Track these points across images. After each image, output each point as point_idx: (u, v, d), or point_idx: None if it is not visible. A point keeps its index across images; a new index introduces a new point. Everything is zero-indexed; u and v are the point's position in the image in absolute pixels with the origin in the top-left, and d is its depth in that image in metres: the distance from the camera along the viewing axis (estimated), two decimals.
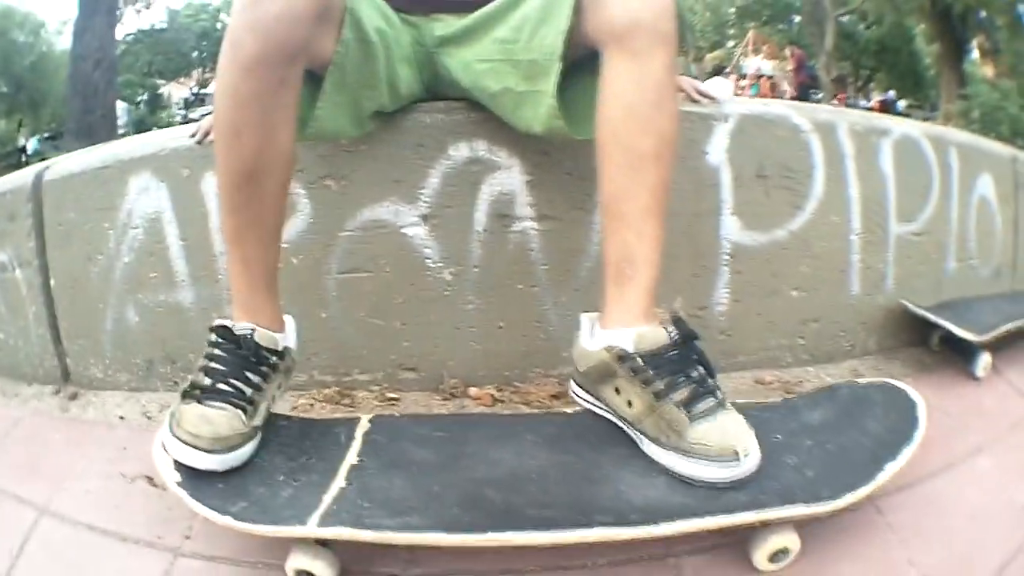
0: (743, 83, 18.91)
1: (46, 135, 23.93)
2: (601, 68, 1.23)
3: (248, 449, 1.18)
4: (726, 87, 1.34)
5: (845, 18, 20.51)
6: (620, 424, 1.23)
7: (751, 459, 1.10)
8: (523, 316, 1.62)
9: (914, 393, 1.28)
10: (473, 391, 1.61)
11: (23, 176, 1.92)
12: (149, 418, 1.72)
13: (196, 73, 42.64)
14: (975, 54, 17.77)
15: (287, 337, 1.34)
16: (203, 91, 45.13)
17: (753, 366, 1.73)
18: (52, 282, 1.85)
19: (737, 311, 1.69)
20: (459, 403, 1.59)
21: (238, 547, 1.23)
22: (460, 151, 1.56)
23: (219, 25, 40.92)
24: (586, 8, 1.22)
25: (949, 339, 1.75)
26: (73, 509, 1.43)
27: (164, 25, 37.70)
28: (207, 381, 1.19)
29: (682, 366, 1.16)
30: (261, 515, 1.08)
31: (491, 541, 1.01)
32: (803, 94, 17.88)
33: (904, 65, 24.23)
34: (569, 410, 1.35)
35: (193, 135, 1.65)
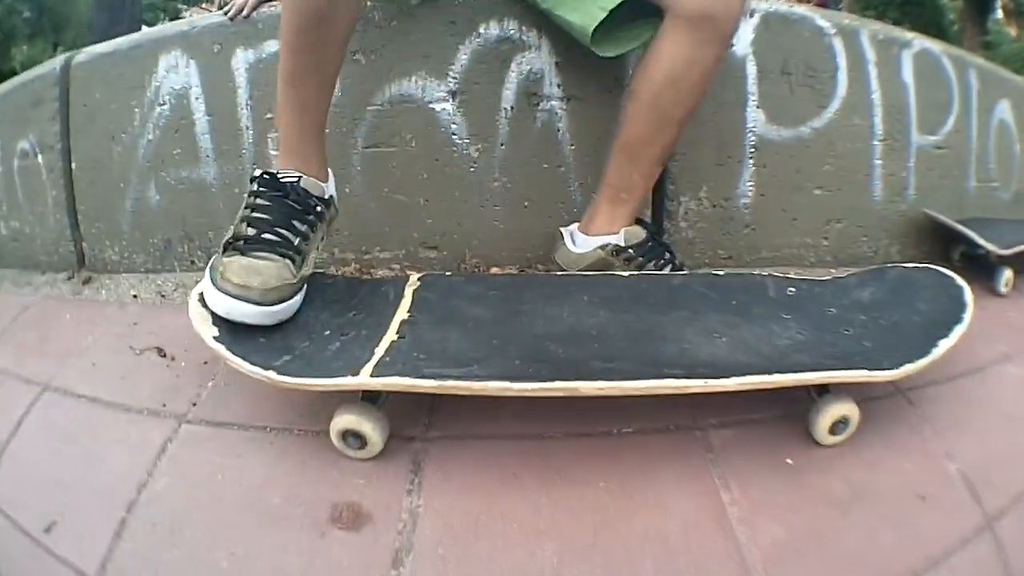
0: None
1: None
2: (660, 31, 1.28)
3: (297, 301, 1.13)
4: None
5: None
6: None
7: None
8: (548, 195, 1.55)
9: (960, 279, 1.28)
10: (495, 271, 1.54)
11: (51, 63, 1.83)
12: (163, 296, 1.65)
13: None
14: (999, 14, 17.52)
15: (330, 186, 1.27)
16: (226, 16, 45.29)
17: (776, 263, 1.67)
18: (73, 165, 1.78)
19: (761, 205, 1.62)
20: None
21: (248, 413, 1.18)
22: (491, 29, 1.49)
23: None
24: None
25: (970, 256, 1.73)
26: (76, 382, 1.37)
27: None
28: (251, 231, 1.13)
29: (659, 250, 1.40)
30: (308, 369, 1.01)
31: (559, 390, 0.97)
32: None
33: (928, 18, 23.79)
34: (624, 274, 1.33)
35: (226, 12, 1.57)
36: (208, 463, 1.10)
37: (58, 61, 1.80)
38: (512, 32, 1.49)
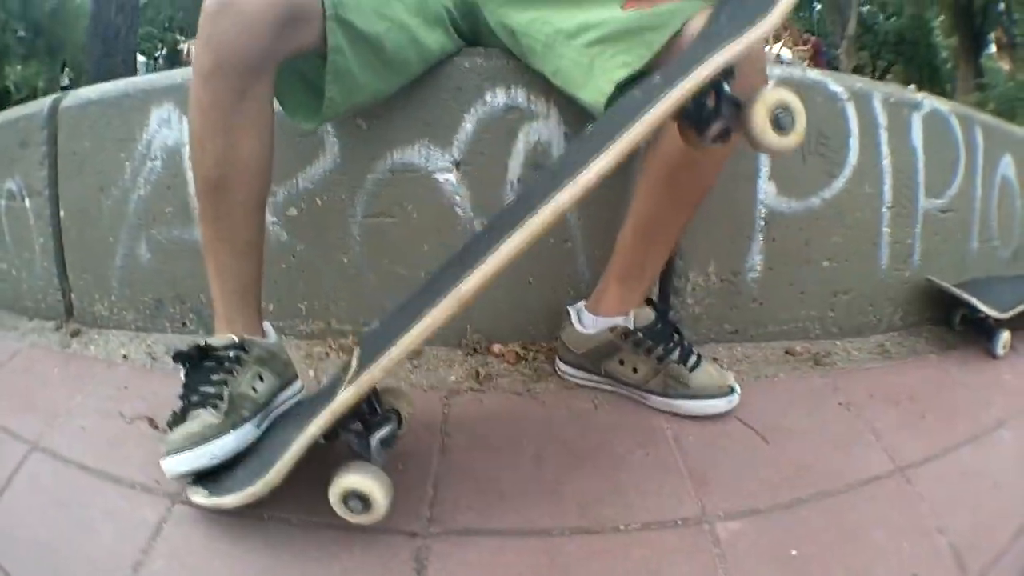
0: None
1: (66, 84, 23.72)
2: None
3: (231, 439, 1.11)
4: None
5: (865, 8, 20.41)
6: (620, 389, 1.34)
7: (737, 390, 1.29)
8: (554, 271, 1.45)
9: None
10: (496, 347, 1.46)
11: (39, 104, 1.75)
12: (154, 359, 1.57)
13: None
14: (992, 48, 17.66)
15: (269, 337, 1.27)
16: None
17: (783, 336, 1.59)
18: (62, 214, 1.69)
19: (769, 279, 1.54)
20: (481, 359, 1.44)
21: None
22: (497, 98, 1.40)
23: None
24: (684, 45, 1.15)
25: (970, 318, 1.68)
26: (65, 446, 1.31)
27: None
28: (181, 404, 1.15)
29: (669, 334, 1.31)
30: (274, 462, 0.99)
31: (452, 301, 0.88)
32: None
33: (921, 58, 24.06)
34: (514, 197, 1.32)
35: None
36: (205, 548, 1.04)
37: (46, 102, 1.71)
38: (520, 101, 1.39)
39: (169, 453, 1.10)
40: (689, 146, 1.06)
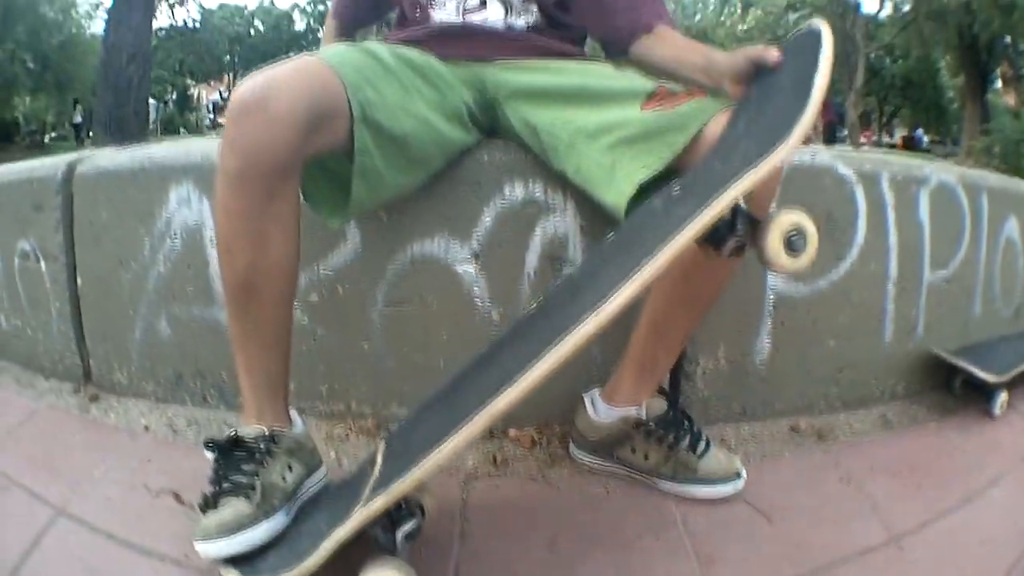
0: None
1: (78, 122, 24.42)
2: None
3: (264, 527, 1.22)
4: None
5: (872, 54, 21.00)
6: (631, 474, 1.49)
7: (743, 475, 1.44)
8: (569, 359, 1.58)
9: (815, 22, 1.22)
10: (512, 432, 1.60)
11: (52, 166, 1.86)
12: (175, 431, 1.69)
13: (227, 77, 43.57)
14: (998, 83, 18.31)
15: (295, 426, 1.37)
16: None
17: (789, 413, 1.74)
18: (79, 281, 1.82)
19: (777, 360, 1.69)
20: (498, 443, 1.57)
21: None
22: (516, 191, 1.53)
23: (252, 31, 42.31)
24: (705, 146, 1.27)
25: (971, 381, 1.82)
26: (92, 514, 1.41)
27: (197, 25, 38.54)
28: (212, 489, 1.25)
29: (679, 422, 1.46)
30: (309, 552, 1.11)
31: (478, 422, 1.01)
32: (829, 133, 18.78)
33: (928, 99, 24.89)
34: (534, 307, 1.34)
35: None
36: None
37: (60, 166, 1.82)
38: (538, 195, 1.53)
39: (205, 539, 1.20)
40: (705, 255, 1.19)
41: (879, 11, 21.91)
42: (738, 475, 1.44)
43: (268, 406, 1.33)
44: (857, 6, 19.96)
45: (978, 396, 1.84)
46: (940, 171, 1.84)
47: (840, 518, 1.42)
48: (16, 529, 1.38)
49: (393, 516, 1.14)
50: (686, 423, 1.47)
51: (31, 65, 20.65)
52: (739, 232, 1.07)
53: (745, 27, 29.63)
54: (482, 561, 1.28)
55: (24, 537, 1.35)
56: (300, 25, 46.35)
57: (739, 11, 30.93)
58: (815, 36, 1.15)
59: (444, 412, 1.17)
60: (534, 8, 1.55)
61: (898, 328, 1.80)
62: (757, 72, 1.26)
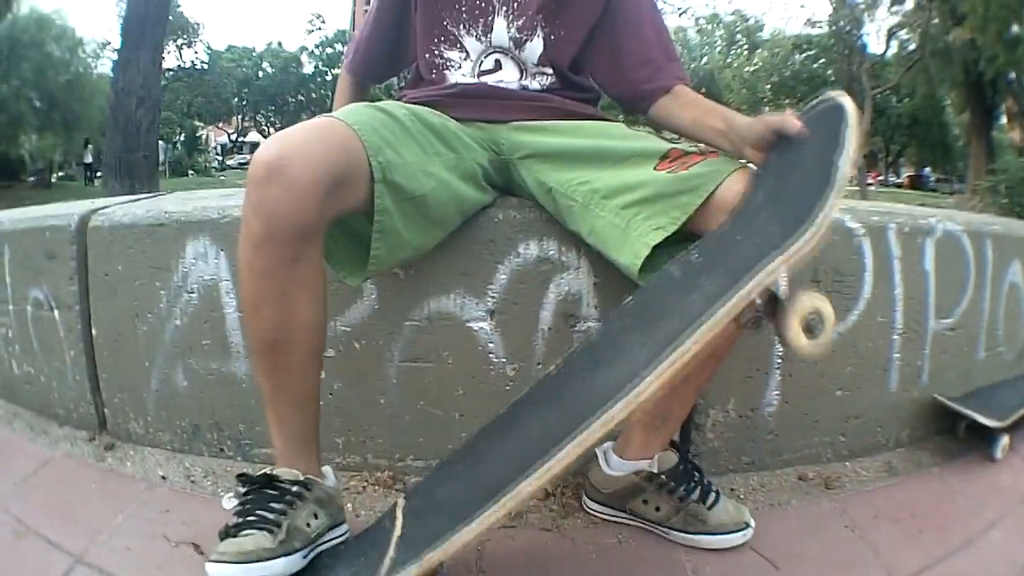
0: None
1: (88, 161, 25.52)
2: None
3: (281, 564, 1.34)
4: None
5: (877, 95, 21.85)
6: (643, 525, 1.64)
7: (752, 525, 1.59)
8: None
9: (838, 95, 1.33)
10: None
11: (66, 215, 2.03)
12: (193, 482, 1.85)
13: (236, 119, 45.37)
14: (1003, 119, 19.14)
15: (327, 480, 1.50)
16: (241, 139, 48.98)
17: (797, 463, 1.90)
18: (94, 331, 1.98)
19: (785, 412, 1.84)
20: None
21: None
22: (530, 249, 1.71)
23: (260, 73, 44.48)
24: (713, 210, 1.41)
25: (974, 426, 1.98)
26: (111, 564, 1.53)
27: (205, 66, 40.31)
28: (237, 520, 1.37)
29: (690, 475, 1.61)
30: None
31: (505, 503, 1.14)
32: None
33: (934, 137, 25.91)
34: (553, 369, 1.45)
35: None
36: None
37: (73, 217, 1.98)
38: (551, 253, 1.70)
39: (218, 560, 1.30)
40: None
41: (885, 51, 22.78)
42: (747, 525, 1.59)
43: (300, 459, 1.45)
44: (863, 47, 20.68)
45: (981, 440, 2.00)
46: (945, 220, 2.00)
47: (844, 564, 1.56)
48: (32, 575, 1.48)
49: None
50: (696, 475, 1.61)
51: (37, 103, 21.54)
52: (760, 309, 1.18)
53: (752, 69, 30.42)
54: None
55: None
56: (308, 68, 48.20)
57: (745, 53, 31.79)
58: (839, 111, 1.26)
59: (468, 479, 1.33)
60: (549, 70, 1.72)
61: (903, 377, 1.97)
62: (778, 139, 1.39)
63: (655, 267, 1.45)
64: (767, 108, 31.34)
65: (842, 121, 1.23)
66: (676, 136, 1.66)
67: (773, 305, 1.17)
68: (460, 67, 1.74)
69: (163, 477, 1.88)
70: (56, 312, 2.04)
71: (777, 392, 1.83)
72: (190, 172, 29.47)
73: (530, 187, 1.69)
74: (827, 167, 1.17)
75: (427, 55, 1.77)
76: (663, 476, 1.60)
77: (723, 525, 1.59)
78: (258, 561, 1.31)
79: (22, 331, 2.17)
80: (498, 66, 1.73)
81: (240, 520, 1.36)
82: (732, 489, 1.79)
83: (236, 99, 44.02)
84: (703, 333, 1.12)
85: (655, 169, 1.51)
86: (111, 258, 1.92)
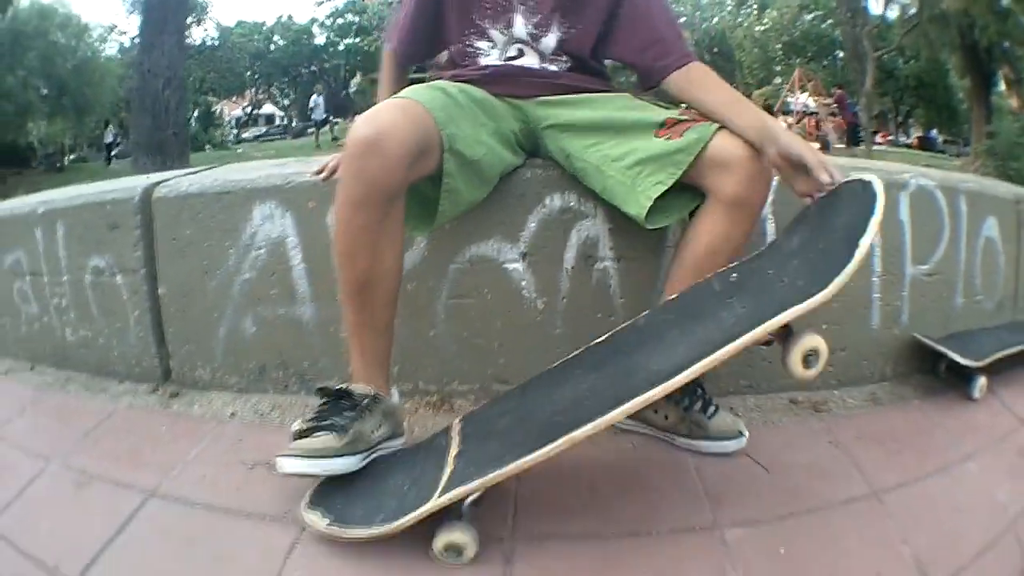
0: (789, 120, 21.48)
1: (110, 140, 29.07)
2: (702, 210, 2.01)
3: (343, 462, 1.80)
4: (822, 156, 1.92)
5: (885, 56, 23.29)
6: (654, 432, 2.16)
7: (746, 434, 2.07)
8: None
9: (869, 177, 1.73)
10: None
11: (125, 190, 2.61)
12: (262, 416, 2.37)
13: (249, 92, 48.59)
14: (1002, 86, 20.54)
15: (393, 395, 2.03)
16: (256, 111, 51.38)
17: (789, 388, 2.46)
18: (160, 291, 2.54)
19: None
20: None
21: None
22: (554, 201, 2.30)
23: (272, 47, 46.69)
24: (706, 165, 1.93)
25: (953, 366, 2.46)
26: (187, 492, 1.93)
27: (216, 43, 42.74)
28: (310, 424, 1.83)
29: (694, 388, 2.10)
30: (396, 516, 1.66)
31: (562, 444, 1.59)
32: (853, 134, 21.25)
33: (940, 99, 27.59)
34: (602, 338, 1.97)
35: (319, 172, 2.34)
36: (334, 559, 1.68)
37: (136, 191, 2.55)
38: (572, 204, 2.28)
39: (287, 455, 1.74)
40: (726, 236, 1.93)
41: (884, 10, 24.17)
42: (741, 434, 2.07)
43: (376, 377, 1.96)
44: (866, 8, 22.13)
45: (961, 381, 2.46)
46: (920, 176, 2.53)
47: (828, 474, 1.99)
48: (98, 518, 1.86)
49: None
50: (699, 390, 2.09)
51: (45, 91, 23.30)
52: (772, 335, 1.66)
53: (762, 28, 32.00)
54: (536, 497, 1.88)
55: (108, 523, 1.83)
56: (320, 39, 50.19)
57: (755, 12, 33.46)
58: (872, 196, 1.64)
59: (523, 418, 1.81)
60: (564, 58, 2.25)
61: (884, 316, 2.51)
62: (820, 198, 1.83)
63: (662, 211, 2.01)
64: (778, 67, 34.01)
65: (873, 207, 1.61)
66: (670, 104, 2.18)
67: (784, 333, 1.68)
68: (488, 55, 2.27)
69: (232, 414, 2.39)
70: (119, 277, 2.60)
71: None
72: (207, 146, 30.88)
73: (552, 152, 2.26)
74: (852, 245, 1.57)
75: (460, 44, 2.29)
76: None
77: (721, 433, 2.08)
78: (323, 458, 1.76)
79: (78, 298, 2.74)
80: (520, 54, 2.26)
81: (313, 425, 1.81)
82: (731, 408, 2.29)
83: (249, 73, 46.87)
84: (728, 351, 1.57)
85: (655, 136, 2.01)
86: (179, 224, 2.49)
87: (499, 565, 1.68)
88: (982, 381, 2.48)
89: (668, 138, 2.00)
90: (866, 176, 1.72)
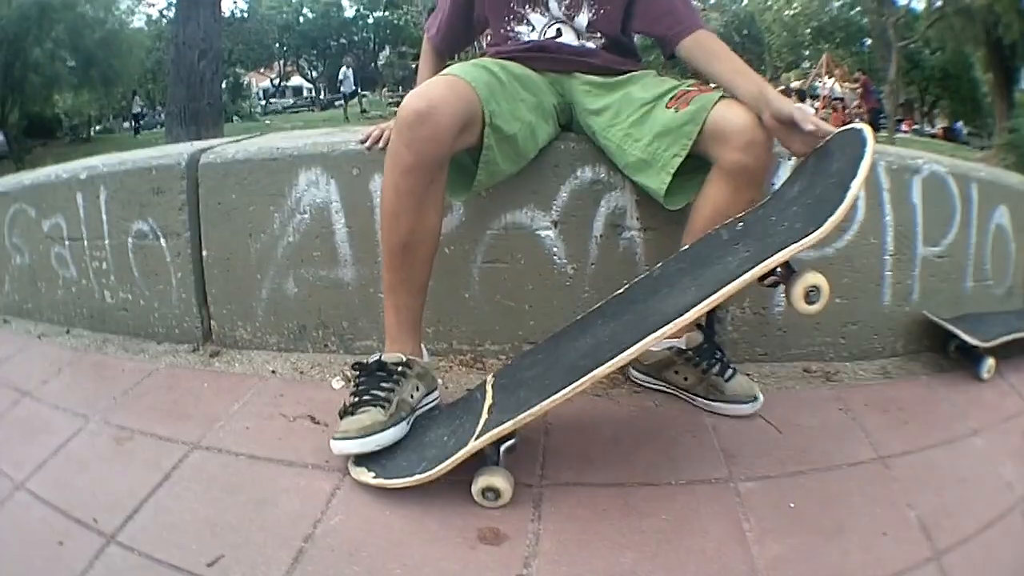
0: (816, 104, 21.59)
1: (137, 111, 31.18)
2: (707, 178, 2.16)
3: (392, 432, 1.96)
4: (809, 112, 2.02)
5: (911, 45, 23.83)
6: (674, 391, 2.33)
7: (760, 398, 2.21)
8: None
9: (860, 125, 1.89)
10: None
11: (174, 155, 2.75)
12: (302, 373, 2.54)
13: (277, 65, 49.66)
14: None
15: (424, 356, 2.18)
16: (284, 83, 52.23)
17: (803, 358, 2.61)
18: (204, 253, 2.70)
19: (791, 312, 2.44)
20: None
21: None
22: (585, 173, 2.46)
23: (301, 19, 47.85)
24: (708, 135, 2.08)
25: (963, 347, 2.56)
26: (230, 443, 2.05)
27: (245, 15, 43.81)
28: (354, 399, 1.98)
29: (712, 352, 2.25)
30: (439, 462, 1.81)
31: (587, 380, 1.73)
32: (874, 119, 21.01)
33: (965, 91, 28.12)
34: (621, 290, 2.13)
35: (363, 141, 2.51)
36: (375, 503, 1.81)
37: (183, 156, 2.70)
38: (602, 175, 2.44)
39: (341, 438, 1.88)
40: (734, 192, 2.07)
41: (908, 4, 24.74)
42: (756, 398, 2.22)
43: (409, 339, 2.12)
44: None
45: (970, 362, 2.54)
46: (932, 162, 2.66)
47: (837, 437, 2.12)
48: (139, 472, 1.96)
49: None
50: (717, 354, 2.24)
51: (72, 63, 24.12)
52: (779, 276, 1.80)
53: (792, 13, 32.70)
54: (563, 448, 2.04)
55: (149, 476, 1.94)
56: (350, 12, 51.57)
57: None
58: (862, 141, 1.79)
59: (550, 365, 1.93)
60: (599, 34, 2.42)
61: (895, 293, 2.64)
62: (816, 149, 1.98)
63: (682, 190, 2.21)
64: (807, 51, 35.28)
65: (863, 151, 1.76)
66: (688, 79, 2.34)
67: (788, 274, 1.81)
68: (529, 35, 2.44)
69: (273, 371, 2.55)
70: (163, 240, 2.77)
71: (783, 295, 2.12)
72: (235, 117, 31.44)
73: (583, 128, 2.45)
74: (844, 188, 1.71)
75: (501, 31, 2.49)
76: (690, 352, 2.26)
77: (737, 396, 2.22)
78: (373, 434, 1.91)
79: (119, 261, 2.90)
80: (559, 33, 2.43)
81: (357, 399, 1.96)
82: (747, 375, 2.41)
83: (278, 45, 48.31)
84: (731, 288, 1.71)
85: (666, 107, 2.17)
86: (224, 189, 2.65)
87: (529, 509, 1.82)
88: (990, 362, 2.56)
89: (676, 109, 2.16)
90: (856, 124, 1.88)
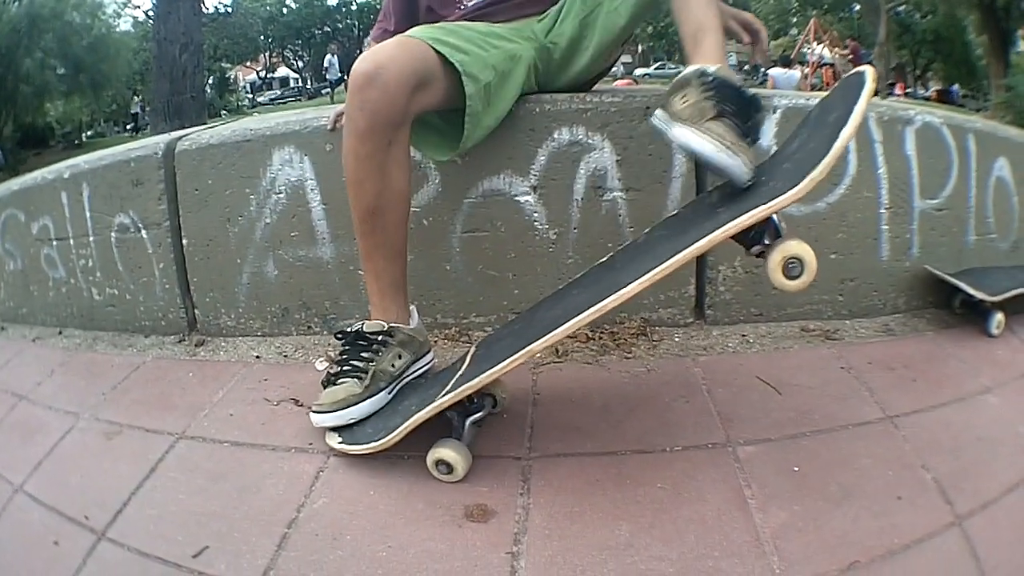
0: (806, 71, 21.80)
1: (136, 111, 31.62)
2: None
3: (366, 405, 2.00)
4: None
5: (901, 8, 24.14)
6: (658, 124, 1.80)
7: (748, 167, 1.68)
8: None
9: (865, 67, 1.70)
10: None
11: (151, 146, 2.76)
12: (286, 356, 2.52)
13: (263, 57, 50.81)
14: (1021, 44, 21.15)
15: (412, 321, 2.15)
16: (270, 75, 53.32)
17: (800, 317, 2.57)
18: (184, 242, 2.69)
19: None
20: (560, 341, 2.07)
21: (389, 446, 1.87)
22: (563, 135, 2.43)
23: (284, 11, 48.69)
24: None
25: (968, 303, 2.51)
26: (214, 431, 2.07)
27: (228, 10, 44.78)
28: (336, 369, 2.02)
29: (739, 99, 1.72)
30: (394, 429, 1.82)
31: (547, 340, 1.67)
32: None
33: (958, 55, 28.33)
34: (604, 259, 2.08)
35: (331, 127, 2.50)
36: (359, 484, 1.81)
37: (159, 146, 2.70)
38: (580, 136, 2.41)
39: (317, 411, 1.95)
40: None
41: None
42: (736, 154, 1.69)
43: (392, 305, 2.10)
44: None
45: (978, 317, 2.49)
46: (925, 113, 2.62)
47: (840, 397, 2.06)
48: (127, 466, 1.97)
49: (467, 406, 1.85)
50: (744, 97, 1.73)
51: (61, 71, 24.69)
52: (766, 243, 1.63)
53: None
54: (551, 418, 2.02)
55: (137, 470, 1.95)
56: (332, 0, 52.13)
57: None
58: (861, 84, 1.62)
59: (521, 332, 1.88)
60: None
61: (893, 247, 2.60)
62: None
63: None
64: (794, 19, 35.98)
65: (859, 93, 1.57)
66: None
67: (776, 236, 1.63)
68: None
69: (257, 357, 2.55)
70: (144, 232, 2.76)
71: None
72: (223, 112, 31.96)
73: (566, 42, 2.44)
74: (832, 140, 1.50)
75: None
76: (713, 79, 1.72)
77: (719, 137, 1.67)
78: (346, 407, 1.97)
79: (104, 257, 2.89)
80: None
81: (338, 369, 2.01)
82: (743, 336, 2.46)
83: (262, 37, 49.01)
84: (691, 252, 1.58)
85: None
86: (200, 175, 2.64)
87: (517, 482, 1.81)
88: (999, 317, 2.50)
89: None
90: (862, 67, 1.71)
